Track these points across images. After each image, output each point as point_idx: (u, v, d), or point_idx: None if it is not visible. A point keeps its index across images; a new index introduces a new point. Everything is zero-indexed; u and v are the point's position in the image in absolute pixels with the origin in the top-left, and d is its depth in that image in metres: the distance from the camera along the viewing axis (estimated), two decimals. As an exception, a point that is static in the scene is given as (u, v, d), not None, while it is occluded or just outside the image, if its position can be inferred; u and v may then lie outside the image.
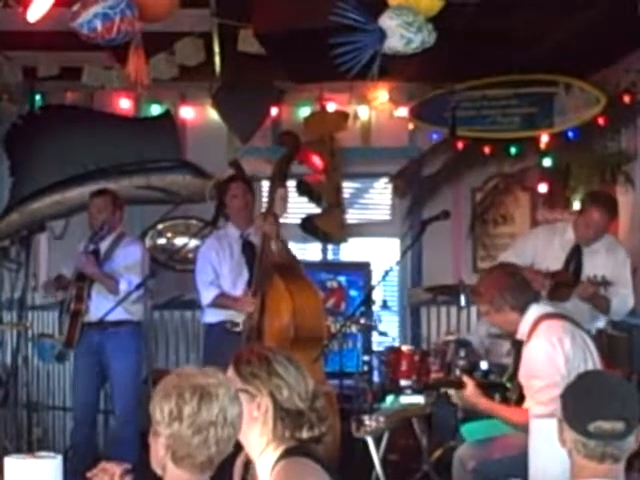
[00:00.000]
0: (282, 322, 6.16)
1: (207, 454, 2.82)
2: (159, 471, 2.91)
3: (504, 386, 5.46)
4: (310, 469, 3.22)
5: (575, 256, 6.64)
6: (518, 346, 5.26)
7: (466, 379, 5.37)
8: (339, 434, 5.86)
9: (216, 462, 2.89)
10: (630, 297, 6.63)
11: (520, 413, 5.02)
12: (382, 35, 4.56)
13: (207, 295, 6.93)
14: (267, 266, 6.42)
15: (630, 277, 6.70)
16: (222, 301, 6.86)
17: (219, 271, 6.94)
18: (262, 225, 6.59)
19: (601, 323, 6.58)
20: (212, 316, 6.97)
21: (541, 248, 6.59)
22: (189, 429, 2.80)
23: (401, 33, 4.54)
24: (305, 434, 3.25)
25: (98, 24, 4.49)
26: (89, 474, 3.12)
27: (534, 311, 5.17)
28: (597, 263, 6.56)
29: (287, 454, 3.23)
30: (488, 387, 5.47)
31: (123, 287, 7.02)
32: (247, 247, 6.92)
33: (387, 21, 4.57)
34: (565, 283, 6.35)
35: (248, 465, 3.42)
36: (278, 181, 6.70)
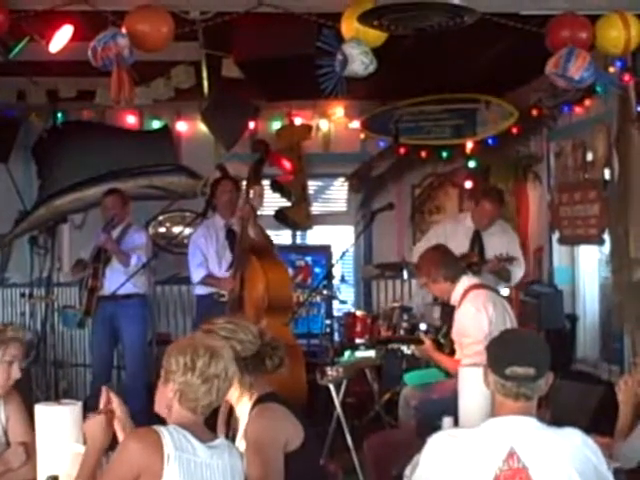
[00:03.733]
0: (258, 294, 6.13)
1: (209, 400, 2.84)
2: (163, 411, 2.90)
3: (439, 342, 5.50)
4: (279, 410, 3.25)
5: (477, 239, 6.70)
6: (450, 310, 5.29)
7: (424, 337, 5.56)
8: (306, 382, 5.86)
9: (212, 407, 2.90)
10: (522, 267, 6.71)
11: (455, 363, 5.08)
12: (345, 61, 4.55)
13: (196, 275, 6.91)
14: (245, 249, 6.39)
15: (520, 251, 6.77)
16: (208, 281, 6.85)
17: (206, 253, 6.91)
18: (241, 209, 6.55)
19: (505, 291, 6.60)
20: (202, 289, 6.95)
21: (449, 236, 6.58)
22: (198, 379, 2.81)
23: (361, 59, 4.53)
24: (269, 364, 3.28)
25: (91, 55, 4.51)
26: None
27: (464, 282, 5.19)
28: (494, 243, 6.64)
29: (260, 401, 3.25)
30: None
31: (133, 261, 6.97)
32: (230, 234, 6.88)
33: (349, 49, 4.55)
34: (475, 263, 6.38)
35: (232, 410, 3.42)
36: (253, 179, 6.67)
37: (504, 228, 6.89)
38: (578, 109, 7.38)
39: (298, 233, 9.44)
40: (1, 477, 3.41)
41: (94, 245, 7.18)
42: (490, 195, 6.82)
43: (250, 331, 3.30)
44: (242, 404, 3.28)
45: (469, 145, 8.62)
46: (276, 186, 8.83)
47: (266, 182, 8.61)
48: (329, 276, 7.75)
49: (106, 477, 2.80)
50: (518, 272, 6.65)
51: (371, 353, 6.70)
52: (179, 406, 2.85)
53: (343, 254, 7.29)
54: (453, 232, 6.69)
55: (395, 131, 8.49)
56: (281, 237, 9.23)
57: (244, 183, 6.75)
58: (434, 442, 2.91)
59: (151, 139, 8.94)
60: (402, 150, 8.78)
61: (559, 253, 7.92)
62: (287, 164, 8.73)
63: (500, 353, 2.91)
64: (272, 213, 8.90)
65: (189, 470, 2.72)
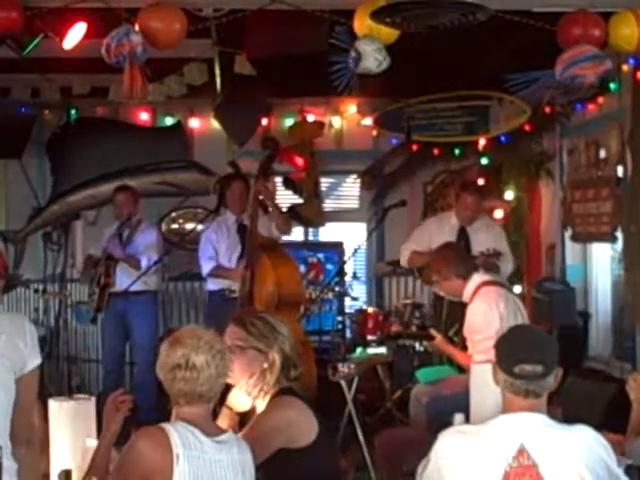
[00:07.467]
0: (268, 291, 6.18)
1: (177, 388, 2.79)
2: None
3: (451, 339, 5.52)
4: (295, 402, 3.29)
5: (462, 236, 6.67)
6: (462, 307, 5.29)
7: (434, 332, 5.59)
8: (316, 378, 5.87)
9: (202, 397, 2.81)
10: (511, 262, 6.67)
11: (468, 357, 5.12)
12: (359, 57, 4.55)
13: (206, 267, 6.97)
14: (255, 246, 6.44)
15: (508, 247, 6.71)
16: (218, 272, 6.89)
17: (217, 247, 6.96)
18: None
19: (517, 289, 6.58)
20: (213, 285, 6.99)
21: (435, 235, 6.56)
22: (161, 371, 2.82)
23: (375, 56, 4.54)
24: (293, 373, 3.34)
25: (104, 52, 4.56)
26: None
27: (476, 279, 5.18)
28: (480, 239, 6.59)
29: (279, 393, 3.29)
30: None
31: (144, 263, 7.03)
32: (241, 229, 6.94)
33: (363, 46, 4.56)
34: None
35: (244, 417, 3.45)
36: (262, 175, 6.70)
37: (489, 224, 6.90)
38: (591, 106, 7.36)
39: (310, 230, 9.45)
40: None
41: (104, 248, 7.22)
42: (469, 188, 6.86)
43: (291, 335, 3.38)
44: (261, 399, 3.32)
45: (481, 142, 8.60)
46: (289, 183, 8.85)
47: (278, 179, 8.66)
48: (341, 273, 7.76)
49: (116, 476, 2.80)
50: (506, 267, 6.59)
51: (383, 350, 6.72)
52: (173, 404, 2.84)
53: (355, 251, 7.30)
54: (438, 231, 6.66)
55: (407, 128, 8.48)
56: (293, 234, 9.23)
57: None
58: (444, 438, 2.92)
59: (164, 136, 8.96)
60: (414, 147, 8.77)
61: (571, 251, 7.90)
62: (299, 161, 8.74)
63: (507, 351, 2.90)
64: (284, 210, 8.91)
65: (198, 467, 2.71)
